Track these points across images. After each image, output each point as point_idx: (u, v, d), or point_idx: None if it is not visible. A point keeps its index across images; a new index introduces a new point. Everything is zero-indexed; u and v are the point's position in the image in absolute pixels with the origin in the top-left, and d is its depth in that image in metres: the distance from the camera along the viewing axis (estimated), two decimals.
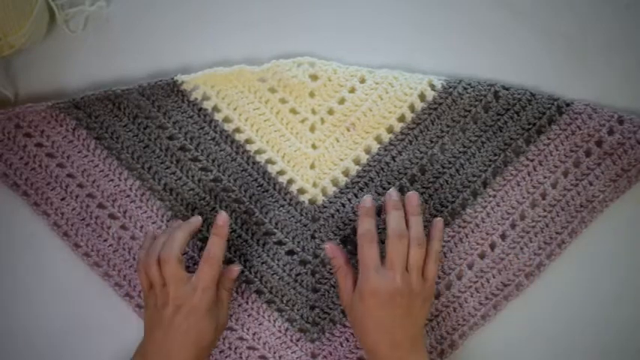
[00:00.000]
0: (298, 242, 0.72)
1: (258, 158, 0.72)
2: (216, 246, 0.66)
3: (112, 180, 0.72)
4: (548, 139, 0.71)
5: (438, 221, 0.69)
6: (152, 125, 0.72)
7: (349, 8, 0.74)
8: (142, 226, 0.72)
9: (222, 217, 0.67)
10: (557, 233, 0.71)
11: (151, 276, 0.65)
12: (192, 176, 0.72)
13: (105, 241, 0.72)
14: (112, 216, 0.72)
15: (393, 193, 0.68)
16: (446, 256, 0.71)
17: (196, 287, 0.64)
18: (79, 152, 0.72)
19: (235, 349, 0.72)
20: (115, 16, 0.74)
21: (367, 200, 0.67)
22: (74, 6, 0.73)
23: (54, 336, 0.73)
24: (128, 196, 0.72)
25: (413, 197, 0.68)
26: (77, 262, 0.73)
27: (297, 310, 0.71)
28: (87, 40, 0.74)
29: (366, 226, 0.66)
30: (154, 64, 0.74)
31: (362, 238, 0.66)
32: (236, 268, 0.69)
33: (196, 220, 0.68)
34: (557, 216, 0.71)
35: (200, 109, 0.72)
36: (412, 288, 0.64)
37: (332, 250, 0.68)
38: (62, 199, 0.72)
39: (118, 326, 0.73)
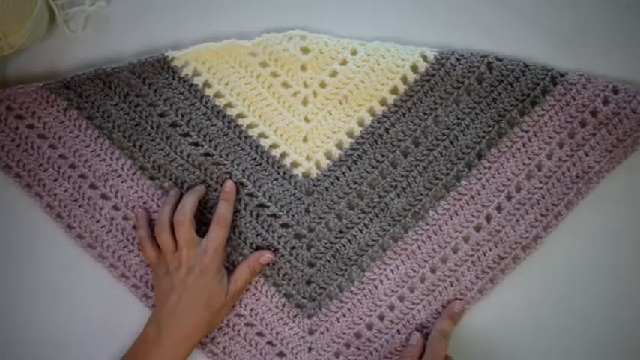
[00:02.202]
0: (292, 216, 0.71)
1: (250, 132, 0.72)
2: (225, 209, 0.69)
3: (103, 160, 0.72)
4: (543, 110, 0.70)
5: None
6: (143, 103, 0.71)
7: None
8: (133, 207, 0.72)
9: (229, 184, 0.70)
10: (553, 205, 0.70)
11: (163, 242, 0.67)
12: (182, 152, 0.71)
13: (98, 222, 0.72)
14: (104, 196, 0.72)
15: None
16: (442, 230, 0.71)
17: (207, 248, 0.67)
18: (70, 133, 0.72)
19: (233, 325, 0.71)
20: (115, 16, 0.74)
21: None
22: (74, 6, 0.73)
23: (54, 337, 0.73)
24: (120, 175, 0.72)
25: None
26: (76, 264, 0.73)
27: (294, 285, 0.71)
28: (87, 40, 0.73)
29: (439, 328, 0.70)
30: None
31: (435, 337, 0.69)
32: (269, 255, 0.70)
33: (201, 188, 0.71)
34: (553, 187, 0.70)
35: (191, 85, 0.71)
36: None
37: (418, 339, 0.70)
38: (55, 181, 0.72)
39: (117, 327, 0.72)
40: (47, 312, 0.73)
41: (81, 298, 0.73)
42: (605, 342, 0.71)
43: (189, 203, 0.68)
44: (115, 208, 0.72)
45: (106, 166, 0.72)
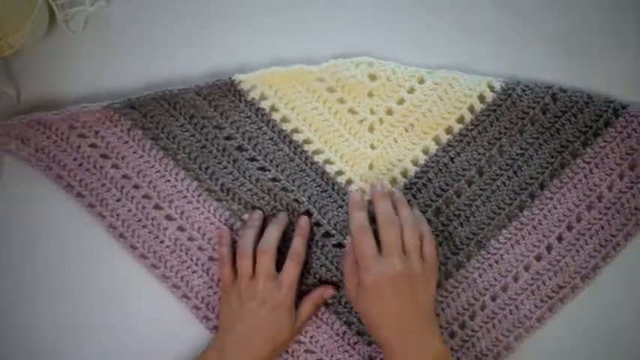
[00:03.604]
0: None
1: (316, 158, 0.72)
2: (300, 245, 0.69)
3: (168, 181, 0.71)
4: (605, 141, 0.71)
5: (414, 208, 0.70)
6: (209, 125, 0.71)
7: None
8: (199, 227, 0.72)
9: (305, 220, 0.70)
10: (612, 236, 0.71)
11: (242, 267, 0.67)
12: (250, 176, 0.71)
13: (162, 242, 0.71)
14: (168, 217, 0.72)
15: (376, 184, 0.70)
16: (503, 259, 0.71)
17: (282, 283, 0.67)
18: (134, 153, 0.71)
19: (292, 352, 0.71)
20: (115, 16, 0.74)
21: (355, 195, 0.69)
22: (74, 6, 0.73)
23: (53, 338, 0.73)
24: (185, 197, 0.71)
25: (396, 194, 0.70)
26: (76, 264, 0.73)
27: (355, 313, 0.71)
28: (87, 40, 0.73)
29: (357, 220, 0.67)
30: (153, 65, 0.74)
31: (355, 231, 0.66)
32: (332, 291, 0.70)
33: (284, 217, 0.71)
34: (613, 218, 0.71)
35: (258, 109, 0.71)
36: (412, 270, 0.64)
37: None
38: (117, 201, 0.71)
39: (117, 328, 0.72)
40: (46, 313, 0.72)
41: (81, 299, 0.73)
42: (608, 346, 0.72)
43: (275, 233, 0.68)
44: (180, 228, 0.72)
45: (171, 187, 0.71)
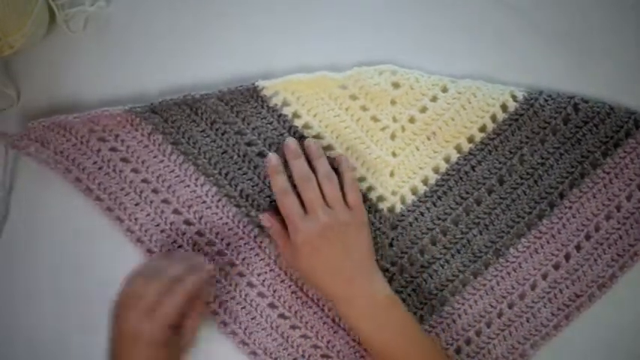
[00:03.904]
0: (376, 250, 0.71)
1: None
2: (191, 286, 0.63)
3: (187, 186, 0.71)
4: (625, 152, 0.71)
5: (339, 156, 0.70)
6: (230, 131, 0.71)
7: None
8: (217, 233, 0.71)
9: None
10: (630, 245, 0.71)
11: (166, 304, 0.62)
12: (270, 182, 0.71)
13: (180, 247, 0.71)
14: (187, 222, 0.71)
15: (289, 143, 0.69)
16: (521, 267, 0.71)
17: (159, 317, 0.61)
18: (154, 157, 0.71)
19: (309, 357, 0.71)
20: (115, 17, 0.74)
21: (272, 158, 0.68)
22: (74, 6, 0.73)
23: (52, 338, 0.73)
24: (204, 202, 0.71)
25: (310, 144, 0.69)
26: (77, 266, 0.72)
27: None
28: (87, 40, 0.73)
29: (278, 183, 0.67)
30: (153, 65, 0.73)
31: (278, 195, 0.67)
32: (211, 269, 0.66)
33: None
34: (631, 228, 0.71)
35: (280, 115, 0.71)
36: (339, 219, 0.65)
37: (269, 219, 0.68)
38: (136, 205, 0.71)
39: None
40: (47, 313, 0.72)
41: (82, 299, 0.72)
42: (608, 346, 0.72)
43: (194, 283, 0.63)
44: (199, 233, 0.71)
45: (191, 192, 0.71)
